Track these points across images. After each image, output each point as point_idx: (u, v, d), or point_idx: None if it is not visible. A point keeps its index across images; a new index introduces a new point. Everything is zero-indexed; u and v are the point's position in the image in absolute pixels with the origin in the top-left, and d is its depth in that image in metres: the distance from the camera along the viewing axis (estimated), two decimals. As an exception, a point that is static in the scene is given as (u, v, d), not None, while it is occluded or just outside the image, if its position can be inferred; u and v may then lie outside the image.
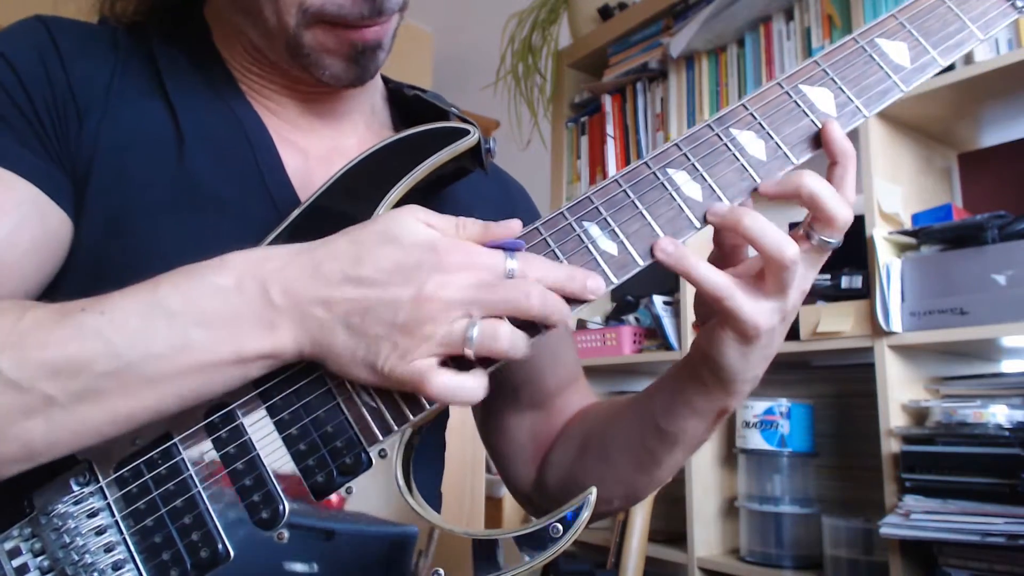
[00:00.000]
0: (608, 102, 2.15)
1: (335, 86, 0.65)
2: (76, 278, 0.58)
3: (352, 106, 0.70)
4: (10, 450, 0.46)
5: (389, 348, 0.48)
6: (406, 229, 0.49)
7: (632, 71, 2.08)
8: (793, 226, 0.54)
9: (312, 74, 0.62)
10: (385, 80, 0.78)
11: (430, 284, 0.47)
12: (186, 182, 0.59)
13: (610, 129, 2.12)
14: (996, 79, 1.38)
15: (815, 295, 1.58)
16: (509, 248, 0.51)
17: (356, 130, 0.71)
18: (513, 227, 0.52)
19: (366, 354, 0.48)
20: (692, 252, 0.53)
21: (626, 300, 2.06)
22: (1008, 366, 1.57)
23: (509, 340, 0.49)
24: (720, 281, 0.53)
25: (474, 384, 0.50)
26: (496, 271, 0.50)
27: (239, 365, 0.48)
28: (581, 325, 2.10)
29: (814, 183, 0.52)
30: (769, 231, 0.52)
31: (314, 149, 0.67)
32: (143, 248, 0.58)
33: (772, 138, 0.56)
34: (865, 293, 1.48)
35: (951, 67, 1.41)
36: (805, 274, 0.55)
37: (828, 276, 1.53)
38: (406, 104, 0.74)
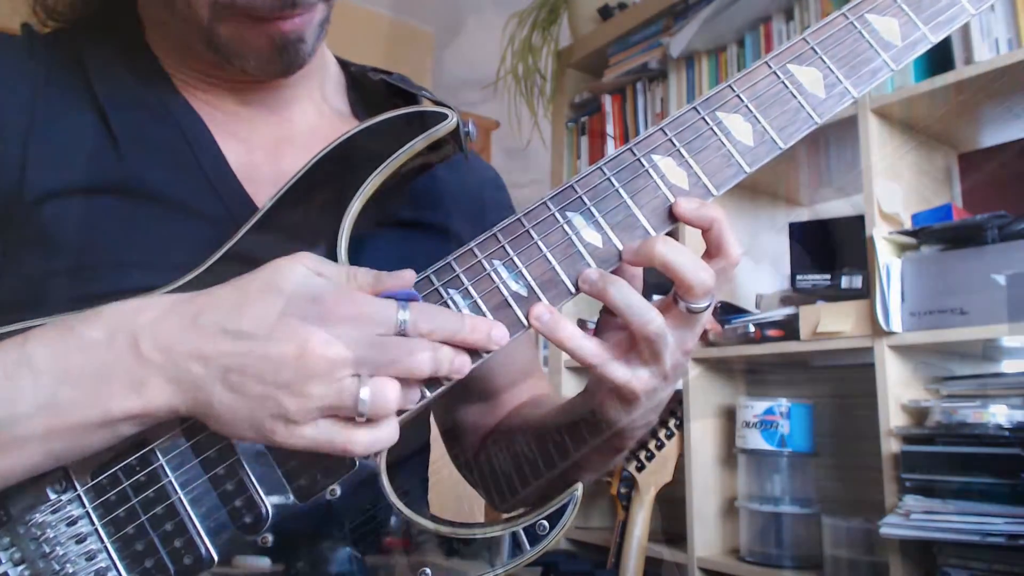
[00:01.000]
0: (608, 102, 2.15)
1: (263, 78, 0.63)
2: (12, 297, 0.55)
3: (294, 94, 0.67)
4: None
5: (274, 408, 0.45)
6: (292, 278, 0.46)
7: (632, 71, 2.08)
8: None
9: (236, 66, 0.60)
10: (345, 64, 0.75)
11: (314, 339, 0.44)
12: (126, 185, 0.57)
13: (610, 128, 2.12)
14: (996, 79, 1.37)
15: (815, 295, 1.58)
16: (402, 298, 0.48)
17: (305, 118, 0.68)
18: (406, 277, 0.49)
19: (249, 415, 0.45)
20: (565, 319, 0.52)
21: (626, 300, 2.05)
22: (1008, 366, 1.57)
23: (400, 400, 0.47)
24: (593, 350, 0.53)
25: (388, 433, 0.48)
26: (387, 323, 0.47)
27: (108, 427, 0.46)
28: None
29: (668, 251, 0.51)
30: (635, 303, 0.51)
31: (258, 140, 0.64)
32: (93, 245, 0.55)
33: (759, 122, 0.54)
34: (865, 293, 1.47)
35: (951, 65, 1.41)
36: (683, 337, 0.53)
37: (828, 276, 1.53)
38: (371, 88, 0.71)
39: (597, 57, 2.24)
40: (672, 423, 1.82)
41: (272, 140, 0.65)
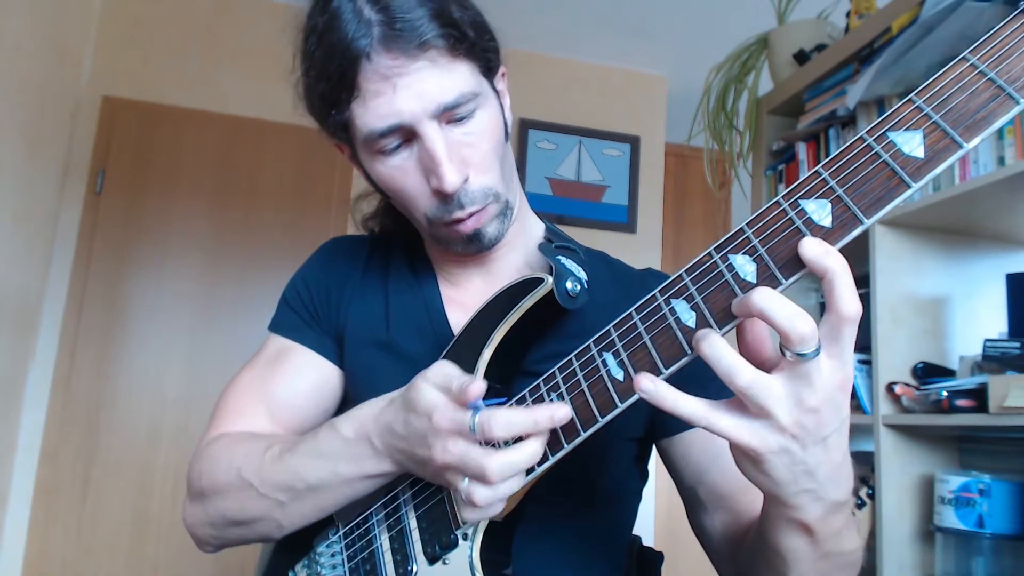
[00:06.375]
0: (803, 150, 2.08)
1: (472, 255, 0.87)
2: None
3: (500, 257, 0.90)
4: (269, 528, 0.78)
5: (438, 479, 0.68)
6: (419, 397, 0.66)
7: (823, 118, 2.00)
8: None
9: (452, 250, 0.86)
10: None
11: (435, 449, 0.65)
12: (388, 346, 0.89)
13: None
14: None
15: (1005, 364, 1.41)
16: (474, 407, 0.63)
17: (508, 274, 0.89)
18: (474, 391, 0.62)
19: (431, 477, 0.69)
20: (666, 386, 0.55)
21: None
22: None
23: (482, 499, 0.63)
24: (693, 408, 0.55)
25: (493, 509, 0.65)
26: (465, 431, 0.63)
27: (365, 480, 0.74)
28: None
29: (761, 300, 0.51)
30: (723, 357, 0.52)
31: (471, 298, 0.88)
32: (368, 384, 0.86)
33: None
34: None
35: None
36: (799, 390, 0.52)
37: (1019, 344, 1.37)
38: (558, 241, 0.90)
39: (794, 103, 2.18)
40: (864, 492, 1.72)
41: (481, 295, 0.82)
